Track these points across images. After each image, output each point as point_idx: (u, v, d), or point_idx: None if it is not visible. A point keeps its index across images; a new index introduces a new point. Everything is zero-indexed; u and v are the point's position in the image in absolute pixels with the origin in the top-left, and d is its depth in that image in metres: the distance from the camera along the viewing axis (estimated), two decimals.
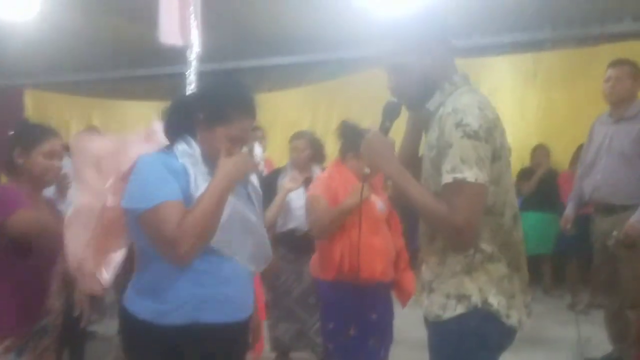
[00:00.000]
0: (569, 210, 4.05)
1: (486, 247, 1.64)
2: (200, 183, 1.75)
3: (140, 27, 5.80)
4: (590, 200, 3.80)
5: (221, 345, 1.81)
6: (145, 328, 1.75)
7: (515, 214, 1.71)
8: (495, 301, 1.63)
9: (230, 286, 1.81)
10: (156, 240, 1.69)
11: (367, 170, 1.84)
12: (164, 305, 1.74)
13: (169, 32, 2.88)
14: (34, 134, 2.40)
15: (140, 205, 1.69)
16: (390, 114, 1.76)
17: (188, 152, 1.80)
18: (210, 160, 1.81)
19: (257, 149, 4.79)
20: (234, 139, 1.81)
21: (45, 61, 7.87)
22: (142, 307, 1.78)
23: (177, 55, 3.06)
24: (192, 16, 2.89)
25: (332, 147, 3.98)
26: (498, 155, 1.57)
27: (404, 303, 3.17)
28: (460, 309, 1.64)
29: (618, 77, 3.61)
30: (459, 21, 6.14)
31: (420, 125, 1.83)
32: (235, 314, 1.84)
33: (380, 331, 2.98)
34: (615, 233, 3.50)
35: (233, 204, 1.79)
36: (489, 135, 1.53)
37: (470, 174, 1.50)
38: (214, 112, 1.80)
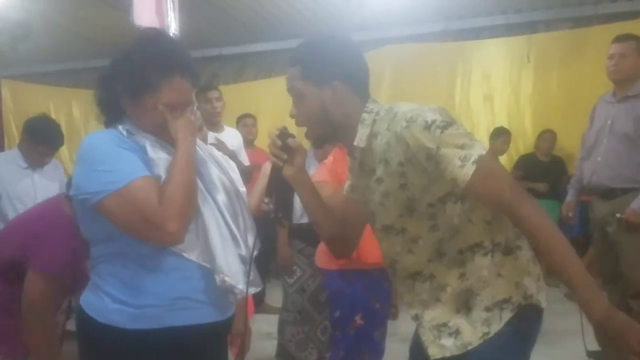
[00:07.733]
0: (570, 197, 3.91)
1: (497, 238, 1.52)
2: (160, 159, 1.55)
3: (119, 14, 5.59)
4: (589, 184, 3.62)
5: (195, 349, 1.58)
6: (108, 332, 1.51)
7: None
8: (533, 290, 1.53)
9: (205, 284, 1.56)
10: (136, 224, 1.44)
11: None
12: (130, 307, 1.50)
13: (143, 13, 2.73)
14: None
15: (104, 188, 1.43)
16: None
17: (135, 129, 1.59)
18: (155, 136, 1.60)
19: (233, 135, 4.49)
20: (170, 106, 1.56)
21: (22, 51, 7.60)
22: (103, 309, 1.52)
23: None
24: None
25: None
26: None
27: None
28: (505, 315, 1.50)
29: (622, 54, 3.41)
30: (452, 3, 6.01)
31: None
32: (212, 315, 1.60)
33: (382, 322, 2.96)
34: (618, 215, 3.33)
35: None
36: (452, 118, 1.44)
37: (476, 151, 1.38)
38: (133, 80, 1.53)
